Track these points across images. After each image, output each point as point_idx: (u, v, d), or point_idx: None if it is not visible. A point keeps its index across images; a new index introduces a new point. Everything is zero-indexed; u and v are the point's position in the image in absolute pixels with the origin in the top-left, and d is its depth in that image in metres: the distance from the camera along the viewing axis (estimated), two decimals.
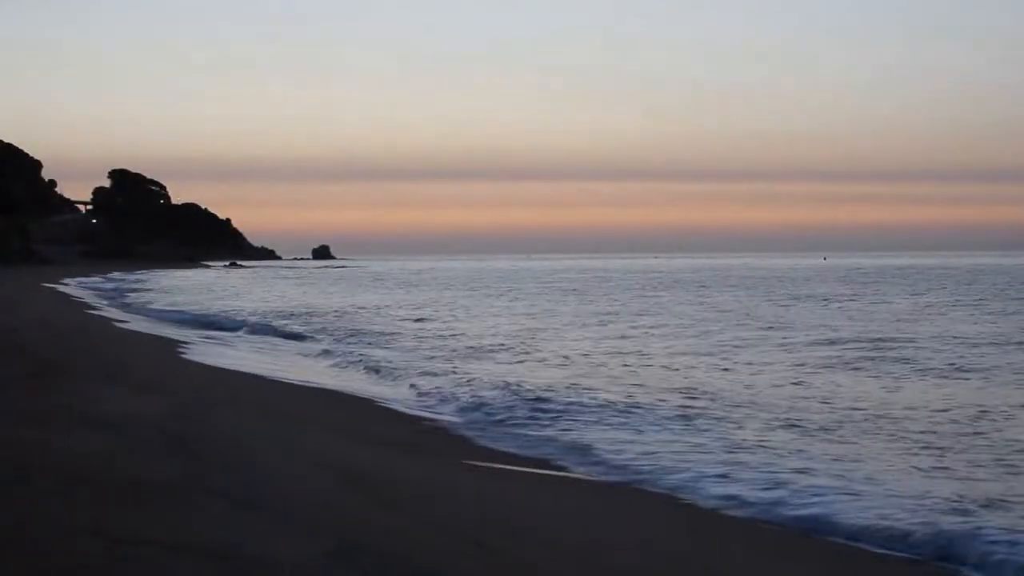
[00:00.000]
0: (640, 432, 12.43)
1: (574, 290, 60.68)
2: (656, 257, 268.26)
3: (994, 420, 13.16)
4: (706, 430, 12.58)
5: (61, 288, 54.08)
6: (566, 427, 12.94)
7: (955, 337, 25.15)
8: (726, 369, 19.45)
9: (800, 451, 11.22)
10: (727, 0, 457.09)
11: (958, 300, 43.23)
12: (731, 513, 8.81)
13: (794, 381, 17.33)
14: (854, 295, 48.86)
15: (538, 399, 14.86)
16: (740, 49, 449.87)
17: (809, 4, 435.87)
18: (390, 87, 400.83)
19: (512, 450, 11.57)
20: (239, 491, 7.98)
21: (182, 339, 25.13)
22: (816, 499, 8.95)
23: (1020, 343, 23.70)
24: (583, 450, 11.47)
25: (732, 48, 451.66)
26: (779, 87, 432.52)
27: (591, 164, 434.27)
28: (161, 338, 25.31)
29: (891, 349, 22.27)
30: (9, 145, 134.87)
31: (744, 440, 11.88)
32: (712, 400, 15.11)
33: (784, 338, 25.48)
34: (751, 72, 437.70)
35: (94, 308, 38.31)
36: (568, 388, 16.18)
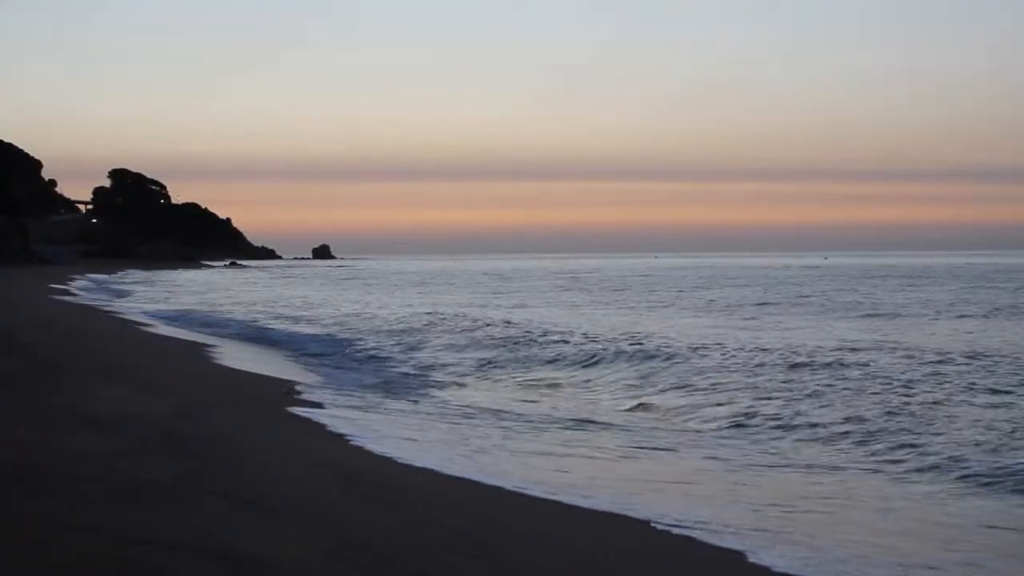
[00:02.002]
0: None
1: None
2: (656, 257, 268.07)
3: None
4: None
5: (61, 288, 54.06)
6: None
7: None
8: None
9: None
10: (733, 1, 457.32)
11: None
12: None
13: None
14: None
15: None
16: (741, 48, 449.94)
17: (810, 3, 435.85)
18: (391, 87, 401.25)
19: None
20: (239, 491, 7.99)
21: (184, 339, 25.14)
22: None
23: None
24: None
25: (733, 47, 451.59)
26: (779, 87, 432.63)
27: (591, 164, 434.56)
28: (162, 338, 25.32)
29: None
30: (9, 145, 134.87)
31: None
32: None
33: None
34: (752, 71, 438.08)
35: (94, 308, 38.30)
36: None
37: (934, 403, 14.58)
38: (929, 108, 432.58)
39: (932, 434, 12.49)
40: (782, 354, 20.72)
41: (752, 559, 7.39)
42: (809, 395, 15.59)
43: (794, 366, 18.91)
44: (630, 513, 8.61)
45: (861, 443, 12.22)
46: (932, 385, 16.24)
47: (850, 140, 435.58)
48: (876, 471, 10.87)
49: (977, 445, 11.76)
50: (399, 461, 10.42)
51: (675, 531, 8.09)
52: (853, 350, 21.38)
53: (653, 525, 8.24)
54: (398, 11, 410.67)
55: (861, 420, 13.38)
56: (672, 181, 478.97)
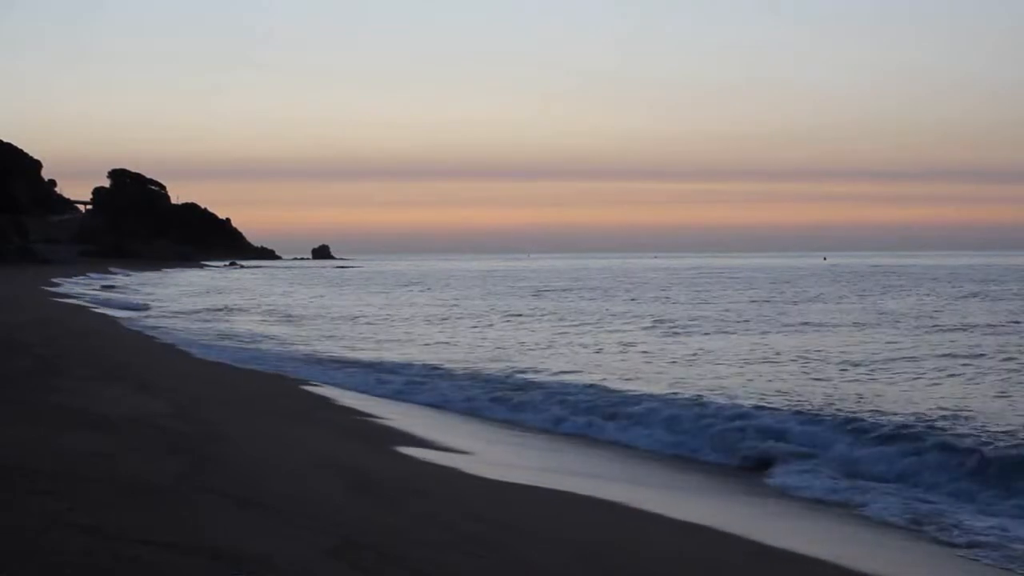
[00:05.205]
0: None
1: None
2: (655, 256, 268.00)
3: None
4: None
5: (61, 288, 54.03)
6: None
7: None
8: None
9: None
10: (731, 0, 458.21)
11: None
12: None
13: None
14: None
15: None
16: (743, 49, 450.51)
17: (812, 4, 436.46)
18: (392, 87, 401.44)
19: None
20: (239, 491, 7.96)
21: (185, 338, 25.11)
22: None
23: None
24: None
25: (735, 48, 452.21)
26: (780, 87, 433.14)
27: (592, 164, 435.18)
28: (162, 336, 25.29)
29: None
30: (9, 145, 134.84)
31: None
32: None
33: None
34: (753, 72, 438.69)
35: (93, 308, 38.28)
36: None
37: None
38: (929, 108, 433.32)
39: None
40: None
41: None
42: None
43: None
44: (635, 507, 8.60)
45: None
46: None
47: (850, 140, 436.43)
48: None
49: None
50: (401, 458, 10.40)
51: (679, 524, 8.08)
52: None
53: (657, 518, 8.23)
54: (401, 10, 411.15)
55: None
56: (674, 181, 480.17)
